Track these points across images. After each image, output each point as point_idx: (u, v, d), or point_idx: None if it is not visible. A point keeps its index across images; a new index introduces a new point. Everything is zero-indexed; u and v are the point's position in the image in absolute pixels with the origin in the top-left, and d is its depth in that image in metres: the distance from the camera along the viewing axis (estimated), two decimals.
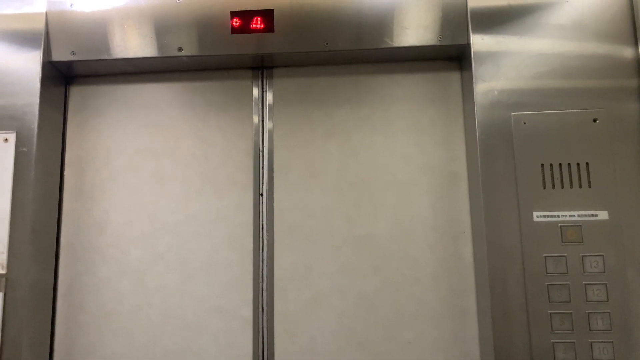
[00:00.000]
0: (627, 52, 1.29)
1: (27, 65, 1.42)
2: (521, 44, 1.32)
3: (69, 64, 1.48)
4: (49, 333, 1.45)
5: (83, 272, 1.48)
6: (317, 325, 1.40)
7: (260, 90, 1.53)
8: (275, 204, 1.46)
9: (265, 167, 1.48)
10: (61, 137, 1.54)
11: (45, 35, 1.44)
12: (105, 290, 1.47)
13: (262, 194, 1.47)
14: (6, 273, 1.33)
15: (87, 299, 1.47)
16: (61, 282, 1.48)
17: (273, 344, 1.41)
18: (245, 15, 1.40)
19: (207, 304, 1.44)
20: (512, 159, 1.27)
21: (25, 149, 1.38)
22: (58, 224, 1.50)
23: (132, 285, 1.46)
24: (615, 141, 1.25)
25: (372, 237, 1.43)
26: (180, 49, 1.42)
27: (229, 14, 1.40)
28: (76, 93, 1.57)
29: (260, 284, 1.43)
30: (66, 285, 1.48)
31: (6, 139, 1.38)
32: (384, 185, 1.45)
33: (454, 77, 1.48)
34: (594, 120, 1.26)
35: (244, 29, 1.40)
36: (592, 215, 1.22)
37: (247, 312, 1.42)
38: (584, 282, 1.19)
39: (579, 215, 1.22)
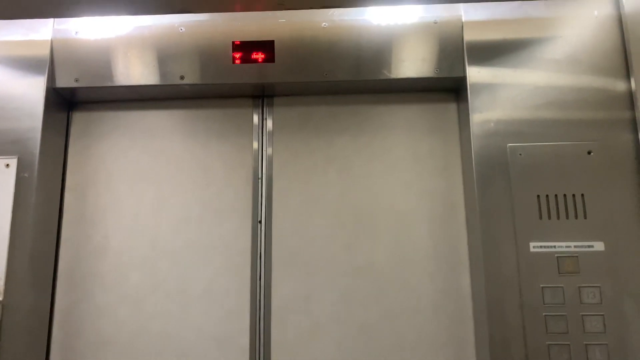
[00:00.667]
0: (620, 86, 1.32)
1: (31, 91, 1.44)
2: (517, 76, 1.35)
3: (72, 90, 1.50)
4: None
5: (81, 299, 1.47)
6: (315, 355, 1.40)
7: (261, 118, 1.55)
8: (273, 232, 1.47)
9: (264, 194, 1.50)
10: (62, 163, 1.55)
11: (50, 62, 1.46)
12: (103, 318, 1.46)
13: (260, 221, 1.48)
14: (3, 299, 1.32)
15: (84, 326, 1.46)
16: (58, 309, 1.47)
17: None
18: (247, 46, 1.43)
19: (205, 332, 1.43)
20: (508, 189, 1.28)
21: (26, 175, 1.39)
22: (57, 250, 1.50)
23: (131, 312, 1.46)
24: (610, 173, 1.27)
25: (372, 266, 1.43)
26: (182, 78, 1.44)
27: (231, 44, 1.44)
28: (79, 119, 1.59)
29: (258, 313, 1.43)
30: (63, 312, 1.47)
31: (7, 165, 1.39)
32: (383, 213, 1.46)
33: (451, 108, 1.51)
34: (589, 152, 1.28)
35: (245, 58, 1.43)
36: (589, 246, 1.23)
37: (245, 341, 1.41)
38: (581, 313, 1.20)
39: (575, 246, 1.23)
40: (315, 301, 1.42)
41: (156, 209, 1.51)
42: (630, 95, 1.32)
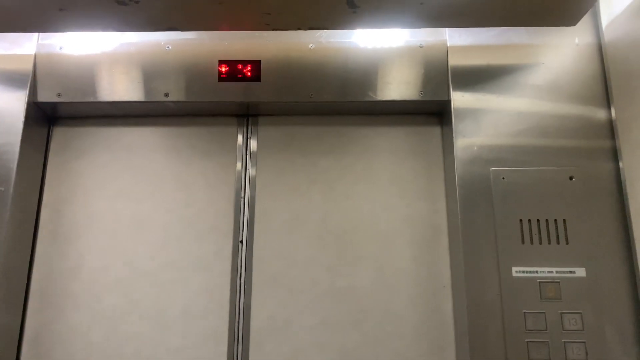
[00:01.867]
0: (601, 114, 1.34)
1: (12, 105, 1.42)
2: (500, 102, 1.37)
3: (53, 105, 1.48)
4: None
5: (53, 319, 1.42)
6: None
7: (245, 137, 1.54)
8: (254, 252, 1.45)
9: (246, 214, 1.48)
10: (40, 178, 1.52)
11: (32, 76, 1.45)
12: (75, 339, 1.41)
13: (241, 241, 1.46)
14: None
15: (55, 348, 1.40)
16: (28, 328, 1.42)
17: None
18: (233, 64, 1.43)
19: (181, 356, 1.38)
20: (491, 213, 1.28)
21: (2, 189, 1.35)
22: (30, 267, 1.45)
23: (104, 334, 1.41)
24: (592, 198, 1.28)
25: (354, 289, 1.41)
26: (167, 95, 1.43)
27: (217, 62, 1.43)
28: (59, 134, 1.56)
29: (236, 336, 1.39)
30: (33, 332, 1.41)
31: None
32: (366, 236, 1.45)
33: (435, 131, 1.52)
34: (570, 178, 1.29)
35: (231, 77, 1.43)
36: (570, 272, 1.23)
37: None
38: (563, 340, 1.18)
39: (557, 272, 1.23)
40: (295, 325, 1.39)
41: (135, 228, 1.48)
42: (611, 123, 1.34)
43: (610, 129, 1.34)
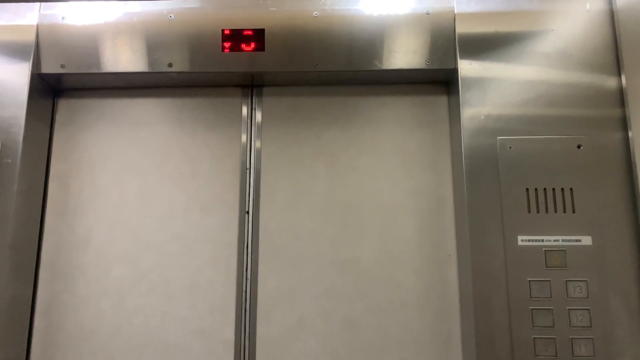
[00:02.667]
0: (611, 82, 1.32)
1: (16, 77, 1.42)
2: (507, 70, 1.35)
3: (57, 77, 1.47)
4: (25, 352, 1.40)
5: (63, 290, 1.44)
6: (300, 349, 1.38)
7: (250, 108, 1.53)
8: (261, 224, 1.45)
9: (252, 185, 1.48)
10: (47, 151, 1.52)
11: (35, 48, 1.44)
12: (85, 310, 1.43)
13: (247, 212, 1.46)
14: None
15: (66, 318, 1.43)
16: (40, 300, 1.44)
17: None
18: (237, 34, 1.41)
19: (189, 326, 1.41)
20: (497, 183, 1.27)
21: (9, 161, 1.36)
22: (39, 240, 1.47)
23: (113, 305, 1.43)
24: (599, 167, 1.27)
25: (358, 261, 1.42)
26: (170, 65, 1.42)
27: (221, 32, 1.42)
28: (64, 106, 1.56)
29: (243, 306, 1.41)
30: (45, 303, 1.44)
31: None
32: (370, 207, 1.45)
33: (442, 101, 1.50)
34: (578, 147, 1.27)
35: (234, 47, 1.41)
36: (576, 240, 1.22)
37: (229, 334, 1.39)
38: (567, 308, 1.19)
39: (563, 240, 1.23)
40: (301, 295, 1.41)
41: (141, 200, 1.49)
42: (621, 92, 1.31)
43: (620, 97, 1.31)
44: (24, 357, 1.40)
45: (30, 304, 1.43)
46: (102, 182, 1.51)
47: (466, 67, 1.35)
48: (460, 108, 1.33)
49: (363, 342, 1.38)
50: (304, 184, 1.47)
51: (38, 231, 1.47)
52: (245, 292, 1.42)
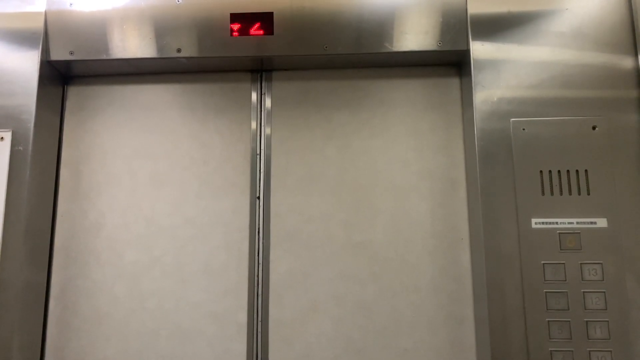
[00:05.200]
0: (627, 62, 1.29)
1: (25, 64, 1.42)
2: (521, 50, 1.32)
3: (67, 64, 1.47)
4: (41, 336, 1.42)
5: (77, 275, 1.46)
6: (313, 332, 1.39)
7: (259, 93, 1.52)
8: (272, 208, 1.45)
9: (262, 170, 1.48)
10: (58, 137, 1.53)
11: (44, 35, 1.43)
12: (99, 294, 1.45)
13: (258, 197, 1.46)
14: None
15: (81, 302, 1.45)
16: (54, 284, 1.46)
17: (267, 351, 1.39)
18: (245, 18, 1.40)
19: (202, 309, 1.42)
20: (511, 166, 1.26)
21: (21, 148, 1.37)
22: (52, 225, 1.48)
23: (127, 289, 1.45)
24: (615, 149, 1.25)
25: (370, 243, 1.41)
26: (179, 50, 1.41)
27: (229, 16, 1.40)
28: (74, 93, 1.56)
29: (256, 289, 1.42)
30: (59, 288, 1.46)
31: (2, 137, 1.37)
32: (382, 190, 1.44)
33: (454, 83, 1.48)
34: (593, 128, 1.25)
35: (243, 31, 1.40)
36: (591, 222, 1.21)
37: (242, 317, 1.41)
38: (582, 290, 1.18)
39: (577, 223, 1.21)
40: (313, 278, 1.41)
41: (153, 185, 1.49)
42: (637, 73, 1.29)
43: (637, 78, 1.29)
44: (40, 341, 1.42)
45: (45, 289, 1.45)
46: (113, 167, 1.51)
47: (479, 49, 1.33)
48: (473, 90, 1.31)
49: (376, 325, 1.38)
50: (315, 168, 1.47)
51: (51, 217, 1.48)
52: (258, 275, 1.43)
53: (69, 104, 1.55)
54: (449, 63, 1.47)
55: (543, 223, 1.22)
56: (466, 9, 1.36)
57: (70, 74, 1.55)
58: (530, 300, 1.19)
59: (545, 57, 1.31)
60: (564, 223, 1.22)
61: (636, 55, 1.29)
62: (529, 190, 1.24)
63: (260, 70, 1.53)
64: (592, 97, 1.29)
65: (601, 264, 1.19)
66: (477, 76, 1.32)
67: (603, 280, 1.18)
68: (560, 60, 1.31)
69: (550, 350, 1.17)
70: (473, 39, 1.34)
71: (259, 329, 1.40)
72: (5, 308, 1.30)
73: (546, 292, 1.19)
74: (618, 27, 1.31)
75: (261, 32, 1.39)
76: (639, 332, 1.16)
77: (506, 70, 1.31)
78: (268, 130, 1.50)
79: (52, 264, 1.47)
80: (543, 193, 1.24)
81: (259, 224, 1.45)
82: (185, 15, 1.41)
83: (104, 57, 1.43)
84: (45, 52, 1.43)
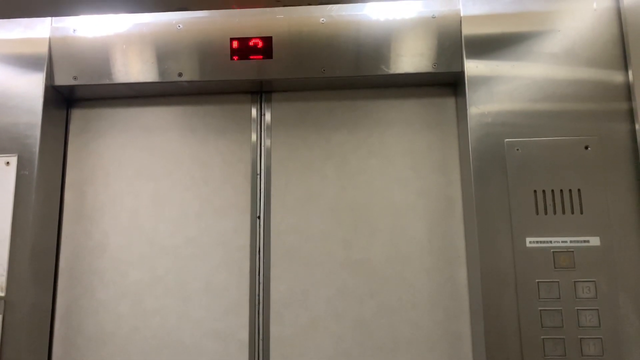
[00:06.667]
0: (618, 78, 1.32)
1: (30, 89, 1.45)
2: (514, 70, 1.35)
3: (71, 88, 1.50)
4: (47, 356, 1.45)
5: (82, 295, 1.49)
6: (313, 349, 1.41)
7: (259, 114, 1.55)
8: (272, 227, 1.48)
9: (262, 190, 1.50)
10: (62, 160, 1.56)
11: (48, 60, 1.47)
12: (104, 313, 1.48)
13: (259, 217, 1.49)
14: (5, 295, 1.34)
15: (86, 322, 1.47)
16: (59, 305, 1.49)
17: None
18: (245, 42, 1.43)
19: (204, 327, 1.45)
20: (505, 185, 1.29)
21: (26, 172, 1.40)
22: (57, 247, 1.51)
23: (131, 307, 1.47)
24: (607, 168, 1.27)
25: (369, 261, 1.44)
26: (180, 74, 1.45)
27: (229, 40, 1.43)
28: (77, 116, 1.59)
29: (257, 307, 1.44)
30: (64, 308, 1.49)
31: (8, 162, 1.40)
32: (380, 209, 1.47)
33: (449, 102, 1.51)
34: (586, 148, 1.28)
35: (243, 55, 1.43)
36: (584, 241, 1.23)
37: (244, 335, 1.43)
38: (576, 308, 1.20)
39: (571, 241, 1.24)
40: (313, 296, 1.44)
41: (155, 206, 1.52)
42: (628, 87, 1.31)
43: (628, 92, 1.31)
44: None
45: (50, 310, 1.47)
46: (116, 188, 1.54)
47: (473, 69, 1.36)
48: (468, 109, 1.34)
49: (375, 342, 1.40)
50: (314, 187, 1.50)
51: (56, 239, 1.51)
52: (258, 294, 1.45)
53: (72, 127, 1.59)
54: (445, 83, 1.50)
55: (537, 242, 1.24)
56: (460, 31, 1.39)
57: (74, 97, 1.59)
58: (526, 317, 1.22)
59: (539, 77, 1.34)
60: (557, 242, 1.24)
61: (627, 70, 1.32)
62: (524, 209, 1.26)
63: (260, 92, 1.56)
64: (585, 114, 1.31)
65: (594, 282, 1.21)
66: (471, 97, 1.34)
67: (596, 298, 1.20)
68: (553, 79, 1.34)
69: None
70: (467, 60, 1.37)
71: (260, 347, 1.43)
72: (12, 329, 1.33)
73: (541, 310, 1.21)
74: (609, 46, 1.34)
75: (260, 56, 1.42)
76: (632, 349, 1.18)
77: (500, 91, 1.34)
78: (268, 150, 1.53)
79: (57, 285, 1.50)
80: (537, 212, 1.26)
81: (259, 243, 1.48)
82: (186, 40, 1.45)
83: (107, 81, 1.46)
84: (50, 77, 1.47)
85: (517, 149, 1.29)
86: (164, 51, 1.45)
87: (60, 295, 1.49)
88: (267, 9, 1.44)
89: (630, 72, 1.31)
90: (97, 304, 1.48)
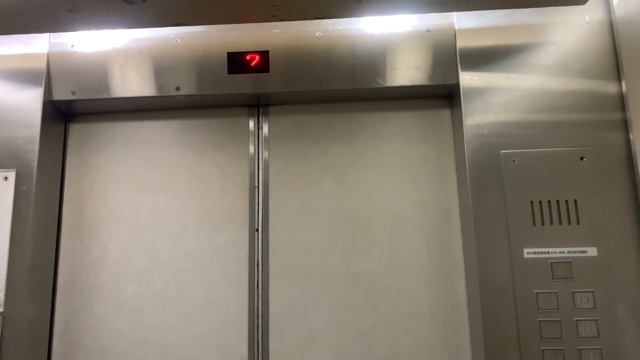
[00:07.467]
0: (612, 89, 1.34)
1: (28, 104, 1.46)
2: (509, 82, 1.36)
3: (69, 103, 1.51)
4: None
5: (80, 310, 1.48)
6: None
7: (257, 127, 1.56)
8: (270, 240, 1.48)
9: (260, 202, 1.51)
10: (60, 174, 1.56)
11: (46, 75, 1.48)
12: (103, 328, 1.47)
13: (257, 230, 1.49)
14: (3, 311, 1.34)
15: (84, 337, 1.47)
16: (58, 320, 1.48)
17: None
18: (242, 56, 1.44)
19: (203, 341, 1.44)
20: (502, 196, 1.29)
21: (24, 187, 1.40)
22: (56, 261, 1.51)
23: (130, 322, 1.47)
24: (603, 178, 1.28)
25: (368, 273, 1.44)
26: (178, 89, 1.46)
27: (226, 55, 1.45)
28: (75, 131, 1.60)
29: (256, 321, 1.44)
30: (63, 323, 1.48)
31: (6, 177, 1.41)
32: (378, 221, 1.47)
33: (445, 114, 1.52)
34: (581, 158, 1.29)
35: (240, 69, 1.44)
36: (582, 251, 1.24)
37: (243, 349, 1.43)
38: (575, 318, 1.21)
39: (568, 252, 1.24)
40: (312, 309, 1.44)
41: (153, 220, 1.52)
42: (622, 98, 1.33)
43: (621, 102, 1.33)
44: None
45: (48, 324, 1.47)
46: (114, 202, 1.54)
47: (468, 81, 1.37)
48: (463, 121, 1.35)
49: (375, 353, 1.40)
50: (312, 199, 1.50)
51: (54, 253, 1.51)
52: (257, 307, 1.45)
53: (70, 142, 1.59)
54: (440, 95, 1.51)
55: (535, 253, 1.25)
56: (455, 44, 1.40)
57: (72, 112, 1.59)
58: (525, 328, 1.22)
59: (533, 88, 1.36)
60: (555, 252, 1.25)
61: (620, 82, 1.33)
62: (521, 220, 1.27)
63: (257, 105, 1.57)
64: (579, 125, 1.33)
65: (593, 292, 1.22)
66: (467, 108, 1.36)
67: (595, 308, 1.21)
68: (547, 91, 1.35)
69: None
70: (462, 72, 1.38)
71: None
72: (11, 344, 1.33)
73: (540, 320, 1.21)
74: (602, 58, 1.36)
75: (257, 69, 1.43)
76: (631, 358, 1.19)
77: (495, 102, 1.35)
78: (266, 163, 1.53)
79: (56, 300, 1.49)
80: (534, 223, 1.27)
81: (258, 256, 1.48)
82: (184, 54, 1.46)
83: (105, 96, 1.47)
84: (48, 92, 1.48)
85: (513, 160, 1.30)
86: (161, 65, 1.46)
87: (58, 310, 1.49)
88: (264, 24, 1.45)
89: (623, 83, 1.33)
90: (96, 319, 1.48)
